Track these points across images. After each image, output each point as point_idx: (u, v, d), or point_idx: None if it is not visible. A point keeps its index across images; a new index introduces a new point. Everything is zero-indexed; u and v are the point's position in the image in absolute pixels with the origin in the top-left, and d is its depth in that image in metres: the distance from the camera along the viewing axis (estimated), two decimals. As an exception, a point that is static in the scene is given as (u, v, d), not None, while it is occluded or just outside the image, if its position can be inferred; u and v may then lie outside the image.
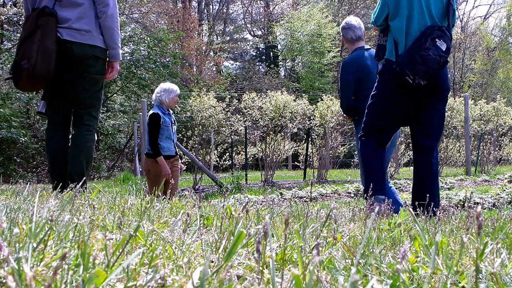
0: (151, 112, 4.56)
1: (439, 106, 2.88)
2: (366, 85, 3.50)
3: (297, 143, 13.68)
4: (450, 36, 2.74)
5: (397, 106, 2.86)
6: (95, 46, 2.93)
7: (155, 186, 4.49)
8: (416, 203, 2.65)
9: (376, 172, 2.84)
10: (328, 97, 9.95)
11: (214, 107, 8.82)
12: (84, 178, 2.63)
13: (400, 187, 7.23)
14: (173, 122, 4.72)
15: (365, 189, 2.76)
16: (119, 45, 3.04)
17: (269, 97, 9.36)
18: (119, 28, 3.01)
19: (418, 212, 2.42)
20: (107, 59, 3.06)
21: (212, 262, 0.94)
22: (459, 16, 31.03)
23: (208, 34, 28.43)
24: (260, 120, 9.23)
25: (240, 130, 9.82)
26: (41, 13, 2.81)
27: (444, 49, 2.67)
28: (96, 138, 3.13)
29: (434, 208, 2.59)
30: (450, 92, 3.21)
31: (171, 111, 4.78)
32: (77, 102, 2.99)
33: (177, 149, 4.83)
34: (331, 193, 6.81)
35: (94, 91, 3.00)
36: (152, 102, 4.71)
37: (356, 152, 13.76)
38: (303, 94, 12.98)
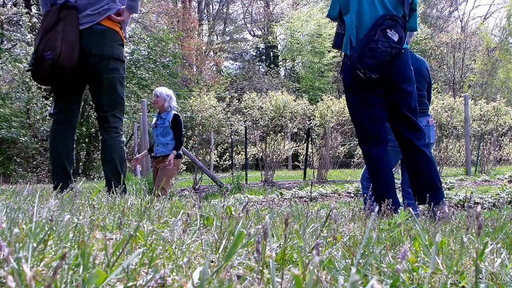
0: None
1: (405, 99, 2.71)
2: None
3: (297, 143, 13.69)
4: (403, 25, 2.58)
5: (365, 104, 2.72)
6: (112, 30, 2.90)
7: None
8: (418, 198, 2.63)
9: (387, 178, 2.69)
10: (328, 97, 9.95)
11: (214, 107, 8.82)
12: (123, 178, 2.67)
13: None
14: (158, 124, 4.82)
15: (375, 193, 2.61)
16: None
17: (269, 97, 9.36)
18: None
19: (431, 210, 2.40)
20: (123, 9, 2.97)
21: (212, 262, 0.94)
22: (459, 16, 31.04)
23: (208, 34, 28.43)
24: (260, 120, 9.23)
25: (240, 130, 9.83)
26: (63, 6, 2.82)
27: (396, 40, 2.52)
28: (124, 139, 3.13)
29: (438, 201, 2.57)
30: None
31: (172, 112, 4.87)
32: (102, 104, 2.98)
33: (156, 151, 4.84)
34: (331, 193, 6.81)
35: (116, 91, 2.98)
36: None
37: (356, 152, 13.76)
38: (303, 94, 12.98)
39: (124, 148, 3.09)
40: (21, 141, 15.09)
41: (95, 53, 2.86)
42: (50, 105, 3.32)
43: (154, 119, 4.88)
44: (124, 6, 2.95)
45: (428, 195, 2.46)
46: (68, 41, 2.75)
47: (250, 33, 30.86)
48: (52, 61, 2.72)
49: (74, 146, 3.05)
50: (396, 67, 2.66)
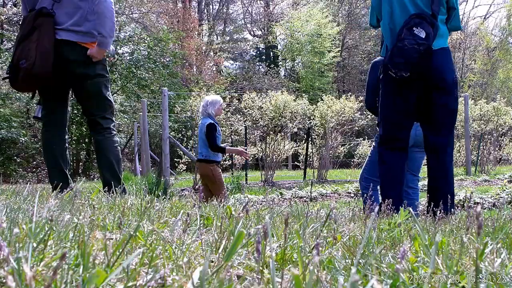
0: (207, 122, 4.87)
1: (444, 100, 2.68)
2: None
3: (297, 143, 13.68)
4: (431, 22, 2.58)
5: (400, 102, 2.74)
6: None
7: (221, 187, 4.82)
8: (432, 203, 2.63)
9: (394, 182, 2.72)
10: (328, 97, 9.95)
11: (214, 107, 8.80)
12: (121, 178, 2.66)
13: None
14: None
15: (382, 195, 2.65)
16: (111, 35, 2.87)
17: (269, 97, 9.36)
18: (113, 18, 2.86)
19: (435, 211, 2.40)
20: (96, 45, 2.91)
21: (212, 262, 0.94)
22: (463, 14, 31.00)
23: (208, 34, 28.41)
24: (260, 120, 9.23)
25: (240, 130, 9.83)
26: (39, 14, 2.79)
27: (423, 36, 2.53)
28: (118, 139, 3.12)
29: (450, 208, 2.56)
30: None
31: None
32: (90, 108, 2.97)
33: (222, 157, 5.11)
34: (331, 193, 6.81)
35: (102, 94, 2.97)
36: (200, 116, 5.07)
37: (356, 152, 13.70)
38: (303, 94, 12.98)
39: (119, 147, 3.08)
40: (21, 141, 15.09)
41: (74, 59, 2.84)
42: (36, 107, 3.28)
43: (218, 127, 4.97)
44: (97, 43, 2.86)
45: (444, 200, 2.46)
46: (43, 50, 2.72)
47: (250, 33, 30.85)
48: (25, 71, 2.70)
49: (68, 146, 3.05)
50: (439, 67, 2.65)
